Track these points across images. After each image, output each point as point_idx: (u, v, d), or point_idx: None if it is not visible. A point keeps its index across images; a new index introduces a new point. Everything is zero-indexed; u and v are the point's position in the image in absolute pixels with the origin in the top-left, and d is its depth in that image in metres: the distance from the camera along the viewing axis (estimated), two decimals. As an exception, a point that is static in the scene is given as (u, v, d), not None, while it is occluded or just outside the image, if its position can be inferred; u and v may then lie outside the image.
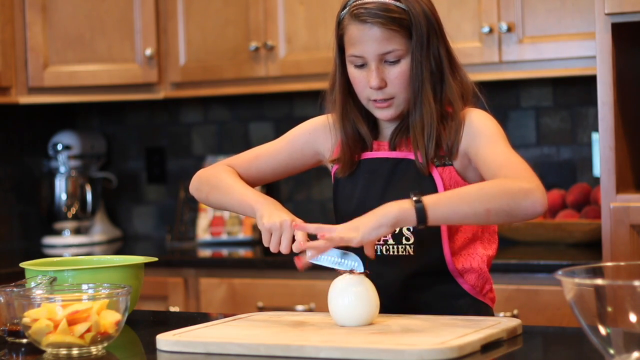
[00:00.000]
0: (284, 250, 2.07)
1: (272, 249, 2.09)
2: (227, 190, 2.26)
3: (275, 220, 2.08)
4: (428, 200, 1.97)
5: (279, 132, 4.22)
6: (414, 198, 1.97)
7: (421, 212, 1.96)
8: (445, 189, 2.15)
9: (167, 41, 4.05)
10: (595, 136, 3.68)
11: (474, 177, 2.18)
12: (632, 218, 2.95)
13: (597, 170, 3.67)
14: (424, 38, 2.14)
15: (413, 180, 2.18)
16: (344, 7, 2.18)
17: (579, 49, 3.40)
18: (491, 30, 3.50)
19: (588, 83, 3.51)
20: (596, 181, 3.67)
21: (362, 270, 2.03)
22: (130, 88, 4.07)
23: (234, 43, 3.93)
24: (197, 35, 4.00)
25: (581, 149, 3.78)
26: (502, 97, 3.89)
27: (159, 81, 4.06)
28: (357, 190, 2.24)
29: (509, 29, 3.48)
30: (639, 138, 3.16)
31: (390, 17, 2.12)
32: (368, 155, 2.25)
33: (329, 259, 2.06)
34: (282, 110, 4.23)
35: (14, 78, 3.98)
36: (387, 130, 2.26)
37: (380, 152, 2.24)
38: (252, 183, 2.32)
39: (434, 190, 2.15)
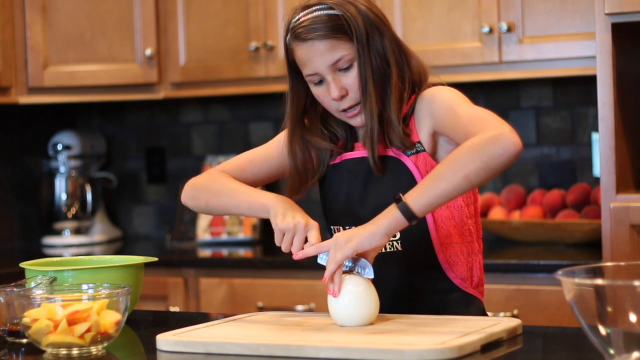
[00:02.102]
0: (295, 251, 2.09)
1: (284, 249, 2.11)
2: (231, 193, 2.25)
3: (289, 222, 2.09)
4: (408, 196, 1.99)
5: (278, 132, 4.22)
6: (395, 199, 1.99)
7: (406, 210, 1.98)
8: (422, 176, 2.15)
9: (167, 41, 4.05)
10: (595, 136, 3.68)
11: (445, 156, 2.17)
12: (632, 218, 2.95)
13: (597, 170, 3.67)
14: (364, 38, 2.15)
15: (391, 175, 2.19)
16: (287, 32, 2.20)
17: (579, 49, 3.40)
18: (491, 30, 3.50)
19: (588, 83, 3.51)
20: (596, 181, 3.67)
21: (372, 276, 2.03)
22: (130, 88, 4.07)
23: (234, 43, 3.93)
24: (197, 35, 4.00)
25: (581, 149, 3.78)
26: (502, 97, 3.89)
27: (159, 81, 4.06)
28: (342, 191, 2.26)
29: (509, 29, 3.48)
30: (639, 138, 3.16)
31: (328, 27, 2.14)
32: (347, 155, 2.26)
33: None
34: (282, 110, 4.22)
35: (14, 78, 3.98)
36: (361, 130, 2.27)
37: (358, 151, 2.25)
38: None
39: (412, 180, 2.16)
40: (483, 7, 3.53)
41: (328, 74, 2.16)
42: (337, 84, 2.16)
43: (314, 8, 2.17)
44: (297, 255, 2.08)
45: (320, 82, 2.19)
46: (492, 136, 1.97)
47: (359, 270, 2.04)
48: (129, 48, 4.04)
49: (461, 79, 3.51)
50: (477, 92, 3.86)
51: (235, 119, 4.36)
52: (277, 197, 2.17)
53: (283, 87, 3.84)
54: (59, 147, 4.35)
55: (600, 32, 2.99)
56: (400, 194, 1.99)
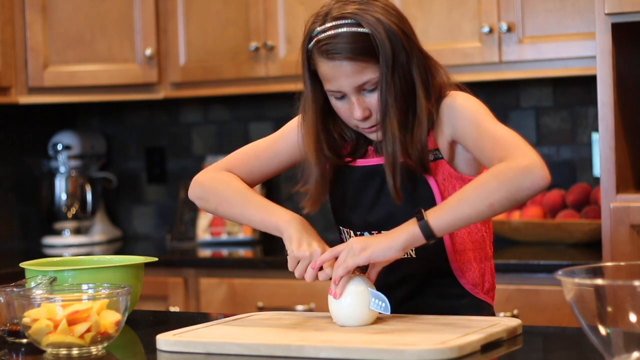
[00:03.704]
0: (308, 280, 2.05)
1: (297, 277, 2.07)
2: (243, 203, 2.20)
3: (305, 250, 2.05)
4: (430, 214, 1.97)
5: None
6: (417, 216, 1.97)
7: (426, 229, 1.96)
8: (439, 184, 2.14)
9: (167, 41, 4.05)
10: (595, 136, 3.69)
11: (465, 165, 2.16)
12: (632, 218, 2.95)
13: (597, 170, 3.67)
14: (390, 61, 2.06)
15: (406, 183, 2.15)
16: (310, 39, 2.11)
17: (579, 49, 3.40)
18: (491, 30, 3.50)
19: (588, 83, 3.52)
20: (596, 181, 3.67)
21: (388, 312, 2.00)
22: (130, 88, 4.07)
23: (234, 43, 3.93)
24: (197, 36, 4.00)
25: (581, 149, 3.78)
26: (502, 97, 3.89)
27: (159, 81, 4.06)
28: (353, 195, 2.22)
29: (509, 29, 3.48)
30: (639, 138, 3.16)
31: (357, 49, 2.05)
32: (361, 162, 2.22)
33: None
34: (282, 110, 4.23)
35: (14, 78, 3.98)
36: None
37: (372, 159, 2.21)
38: (254, 182, 2.29)
39: (428, 189, 2.14)
40: (483, 7, 3.53)
41: (352, 94, 2.09)
42: (362, 105, 2.10)
43: (341, 22, 2.07)
44: (320, 275, 2.04)
45: (343, 97, 2.12)
46: (523, 167, 1.95)
47: (376, 304, 2.01)
48: (129, 48, 4.04)
49: (461, 79, 3.45)
50: (477, 92, 3.82)
51: (235, 119, 4.36)
52: (292, 217, 2.12)
53: (283, 87, 3.86)
54: (59, 147, 4.35)
55: (600, 32, 2.99)
56: (422, 210, 1.98)
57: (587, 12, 3.35)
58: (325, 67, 2.09)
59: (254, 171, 2.29)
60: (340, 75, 2.07)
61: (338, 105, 2.13)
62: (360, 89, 2.09)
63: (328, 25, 2.07)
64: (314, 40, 2.10)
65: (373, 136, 2.17)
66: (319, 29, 2.09)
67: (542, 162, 1.97)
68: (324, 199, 2.22)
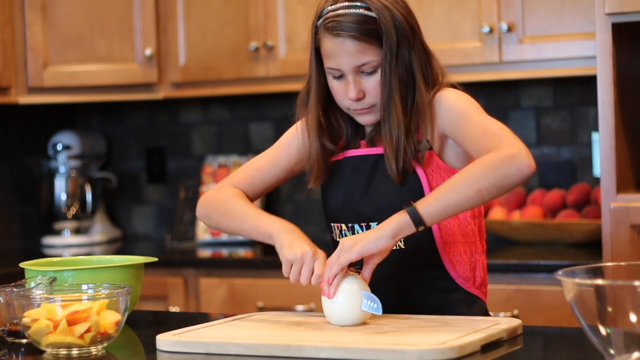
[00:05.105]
0: (304, 282, 2.08)
1: (292, 280, 2.09)
2: (239, 216, 2.24)
3: (296, 252, 2.07)
4: (419, 203, 2.01)
5: (279, 132, 4.21)
6: (405, 205, 2.00)
7: (415, 215, 1.99)
8: (427, 175, 2.17)
9: (167, 41, 4.05)
10: (595, 136, 3.69)
11: (454, 159, 2.19)
12: (632, 218, 2.95)
13: (597, 170, 3.67)
14: (394, 48, 2.14)
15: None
16: (319, 17, 2.19)
17: (579, 49, 3.40)
18: (491, 30, 3.50)
19: (588, 83, 3.51)
20: (596, 181, 3.67)
21: (380, 313, 2.01)
22: (130, 88, 4.07)
23: (234, 43, 3.93)
24: (197, 35, 4.00)
25: (581, 149, 3.78)
26: (502, 97, 3.89)
27: (159, 81, 4.06)
28: (344, 188, 2.25)
29: (509, 29, 3.48)
30: (639, 138, 3.16)
31: (363, 29, 2.13)
32: (351, 153, 2.26)
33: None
34: (282, 110, 4.23)
35: (14, 78, 3.98)
36: (368, 127, 2.27)
37: (362, 149, 2.25)
38: (259, 194, 2.35)
39: (417, 180, 2.16)
40: (483, 7, 3.53)
41: (350, 74, 2.16)
42: (357, 86, 2.16)
43: (350, 3, 2.14)
44: (313, 278, 2.06)
45: (340, 77, 2.18)
46: (509, 155, 2.01)
47: (367, 305, 2.01)
48: (129, 48, 4.04)
49: (461, 79, 3.46)
50: (477, 92, 3.84)
51: (235, 119, 4.36)
52: (282, 225, 2.15)
53: (283, 87, 3.86)
54: (59, 147, 4.35)
55: (600, 32, 2.99)
56: (411, 201, 2.01)
57: (587, 12, 3.35)
58: (329, 43, 2.16)
59: (256, 183, 2.34)
60: (341, 52, 2.14)
61: (334, 85, 2.20)
62: (359, 70, 2.16)
63: (338, 5, 2.16)
64: (322, 18, 2.17)
65: (362, 119, 2.22)
66: (329, 8, 2.17)
67: (528, 151, 2.03)
68: (325, 175, 2.28)
